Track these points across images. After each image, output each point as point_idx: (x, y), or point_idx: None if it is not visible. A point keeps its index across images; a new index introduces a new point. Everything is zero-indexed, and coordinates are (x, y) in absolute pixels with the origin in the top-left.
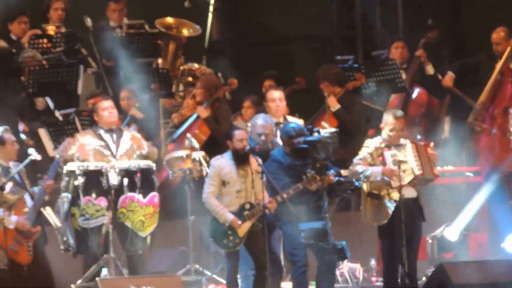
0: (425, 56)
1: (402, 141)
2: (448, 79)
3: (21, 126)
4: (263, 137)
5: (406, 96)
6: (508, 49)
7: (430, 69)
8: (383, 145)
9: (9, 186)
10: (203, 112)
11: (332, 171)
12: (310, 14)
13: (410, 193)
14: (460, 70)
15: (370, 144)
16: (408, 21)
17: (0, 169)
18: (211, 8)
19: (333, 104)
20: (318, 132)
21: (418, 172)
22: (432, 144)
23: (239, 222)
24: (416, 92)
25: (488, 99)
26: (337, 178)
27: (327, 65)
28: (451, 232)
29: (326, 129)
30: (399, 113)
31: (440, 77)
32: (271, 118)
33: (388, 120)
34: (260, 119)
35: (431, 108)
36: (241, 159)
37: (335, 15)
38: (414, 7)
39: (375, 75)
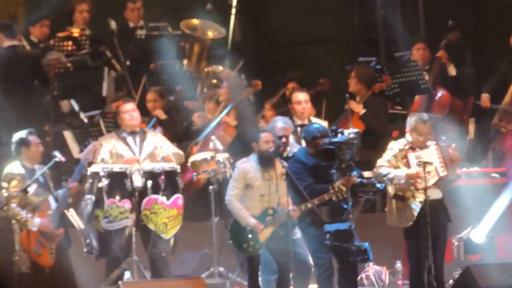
0: (447, 57)
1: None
2: (485, 100)
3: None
4: (283, 140)
5: (430, 98)
6: None
7: (452, 70)
8: (407, 147)
9: (33, 188)
10: (231, 121)
11: (355, 173)
12: (332, 16)
13: (435, 194)
14: (493, 87)
15: (394, 146)
16: (429, 22)
17: (25, 171)
18: (233, 10)
19: (358, 109)
20: (342, 133)
21: (442, 173)
22: (454, 145)
23: (262, 226)
24: (439, 94)
25: None
26: (359, 180)
27: (361, 63)
28: (477, 234)
29: (350, 130)
30: (426, 117)
31: (476, 102)
32: (290, 120)
33: (415, 125)
34: (279, 122)
35: (454, 109)
36: (267, 161)
37: (356, 16)
38: (435, 8)
39: (398, 76)
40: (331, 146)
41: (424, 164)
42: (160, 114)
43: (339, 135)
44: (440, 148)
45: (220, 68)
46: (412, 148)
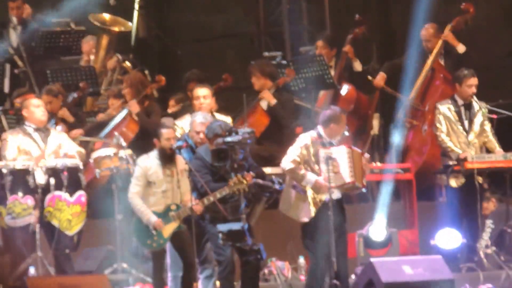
0: (353, 52)
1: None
2: (380, 79)
3: None
4: (201, 135)
5: (335, 93)
6: (439, 44)
7: (358, 66)
8: (318, 142)
9: None
10: (135, 106)
11: (251, 172)
12: (236, 10)
13: (335, 194)
14: (391, 70)
15: (306, 139)
16: (335, 16)
17: None
18: (136, 6)
19: (270, 99)
20: (236, 132)
21: (349, 179)
22: (367, 156)
23: (162, 225)
24: (345, 89)
25: (419, 95)
26: (254, 180)
27: (260, 60)
28: (375, 230)
29: (244, 129)
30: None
31: (370, 78)
32: (210, 115)
33: (336, 117)
34: (199, 117)
35: (360, 104)
36: (167, 158)
37: (261, 11)
38: (341, 2)
39: (304, 71)
40: (224, 146)
41: (333, 164)
42: (67, 116)
43: (233, 134)
44: (352, 152)
45: (127, 63)
46: (323, 144)
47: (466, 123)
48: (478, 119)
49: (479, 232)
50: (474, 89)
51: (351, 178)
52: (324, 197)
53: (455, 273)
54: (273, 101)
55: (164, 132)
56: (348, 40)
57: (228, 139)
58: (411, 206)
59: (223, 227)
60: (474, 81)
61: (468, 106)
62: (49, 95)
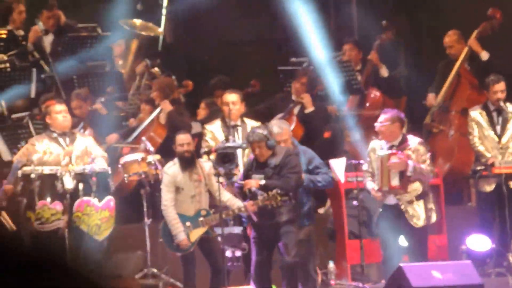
0: (378, 59)
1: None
2: (431, 99)
3: None
4: (282, 144)
5: (362, 98)
6: (464, 50)
7: (384, 71)
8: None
9: None
10: (168, 105)
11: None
12: (264, 16)
13: (389, 200)
14: (438, 89)
15: (372, 144)
16: (362, 22)
17: None
18: (164, 11)
19: (308, 106)
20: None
21: (377, 187)
22: (400, 152)
23: (187, 246)
24: (371, 94)
25: (445, 100)
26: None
27: (314, 70)
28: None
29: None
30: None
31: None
32: (286, 122)
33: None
34: (275, 127)
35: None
36: (187, 163)
37: (289, 16)
38: (369, 8)
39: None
40: (228, 150)
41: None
42: (100, 108)
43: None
44: (381, 158)
45: (156, 69)
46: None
47: (498, 128)
48: (511, 124)
49: (509, 237)
50: (500, 95)
51: (378, 186)
52: (386, 201)
53: (484, 278)
54: (311, 108)
55: (178, 137)
56: (375, 46)
57: (229, 144)
58: (440, 211)
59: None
60: (500, 86)
61: (500, 111)
62: (78, 99)
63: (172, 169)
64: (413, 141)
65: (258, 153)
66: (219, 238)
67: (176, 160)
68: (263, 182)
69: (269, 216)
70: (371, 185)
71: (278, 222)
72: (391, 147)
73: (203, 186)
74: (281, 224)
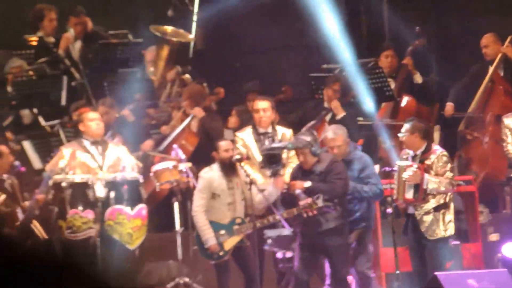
0: (412, 64)
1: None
2: (449, 109)
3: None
4: (335, 150)
5: (395, 105)
6: (498, 56)
7: (418, 78)
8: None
9: (1, 198)
10: (201, 112)
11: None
12: (296, 22)
13: (409, 209)
14: (457, 94)
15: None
16: (394, 28)
17: None
18: (195, 17)
19: (339, 112)
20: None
21: (394, 198)
22: (415, 164)
23: (217, 250)
24: (405, 101)
25: (479, 107)
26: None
27: (346, 77)
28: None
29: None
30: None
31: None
32: (342, 129)
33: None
34: (329, 132)
35: (420, 116)
36: (229, 170)
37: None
38: (400, 14)
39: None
40: (274, 151)
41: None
42: (128, 115)
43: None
44: (399, 170)
45: (187, 76)
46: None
47: None
48: None
49: None
50: None
51: (395, 197)
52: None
53: None
54: (342, 113)
55: (222, 144)
56: (408, 52)
57: (274, 144)
58: (474, 218)
59: (271, 233)
60: None
61: None
62: (104, 106)
63: (209, 174)
64: (437, 151)
65: (302, 160)
66: (269, 241)
67: (214, 165)
68: (308, 184)
69: (314, 224)
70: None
71: (323, 230)
72: (414, 157)
73: (239, 194)
74: (326, 233)
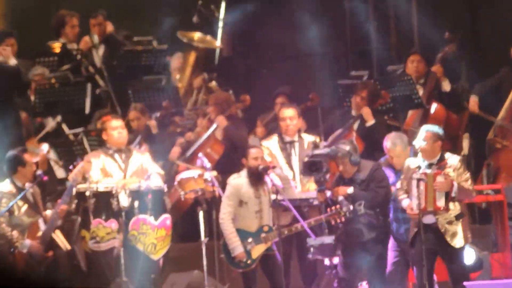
0: (442, 71)
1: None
2: (473, 104)
3: None
4: (394, 160)
5: (424, 112)
6: None
7: (446, 86)
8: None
9: (24, 208)
10: (224, 121)
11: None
12: (323, 29)
13: (427, 219)
14: (483, 91)
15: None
16: (423, 34)
17: (16, 190)
18: (220, 24)
19: (369, 119)
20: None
21: (416, 206)
22: (443, 172)
23: (244, 259)
24: (433, 108)
25: (508, 114)
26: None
27: (375, 84)
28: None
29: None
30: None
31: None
32: (403, 136)
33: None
34: (388, 142)
35: (449, 124)
36: (257, 178)
37: (348, 29)
38: (430, 19)
39: (391, 91)
40: (317, 159)
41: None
42: (153, 125)
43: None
44: (425, 177)
45: (213, 83)
46: (419, 168)
47: None
48: None
49: None
50: None
51: (422, 206)
52: (426, 220)
53: None
54: (372, 121)
55: (252, 151)
56: (438, 59)
57: (316, 151)
58: (503, 228)
59: (314, 241)
60: None
61: None
62: (136, 111)
63: (236, 181)
64: (453, 159)
65: (342, 170)
66: (312, 249)
67: (242, 173)
68: (351, 190)
69: (356, 233)
70: (406, 202)
71: (364, 240)
72: (430, 165)
73: (267, 201)
74: (367, 242)
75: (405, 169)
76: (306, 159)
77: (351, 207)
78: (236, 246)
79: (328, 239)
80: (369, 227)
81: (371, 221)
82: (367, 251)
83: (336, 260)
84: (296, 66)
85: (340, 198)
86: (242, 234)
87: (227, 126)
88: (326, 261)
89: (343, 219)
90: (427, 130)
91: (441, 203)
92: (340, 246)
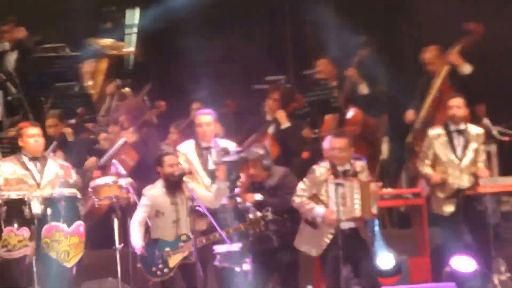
0: (357, 75)
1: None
2: (410, 115)
3: None
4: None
5: (341, 117)
6: (446, 67)
7: (363, 88)
8: (329, 172)
9: None
10: (131, 136)
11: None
12: (237, 34)
13: (348, 224)
14: (418, 106)
15: (318, 171)
16: (340, 38)
17: None
18: (135, 29)
19: (283, 121)
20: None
21: (357, 214)
22: (379, 184)
23: (144, 253)
24: (351, 112)
25: (428, 118)
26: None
27: (288, 86)
28: (383, 258)
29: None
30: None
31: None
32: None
33: (332, 142)
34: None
35: (367, 128)
36: (173, 186)
37: (263, 34)
38: (346, 23)
39: (308, 95)
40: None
41: (342, 197)
42: (69, 133)
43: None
44: (360, 185)
45: (126, 89)
46: (335, 175)
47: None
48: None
49: (493, 258)
50: (455, 111)
51: (359, 213)
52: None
53: None
54: (287, 124)
55: (167, 158)
56: (353, 62)
57: (225, 158)
58: (422, 232)
59: (221, 248)
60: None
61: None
62: (54, 118)
63: (151, 191)
64: (358, 162)
65: (253, 173)
66: (218, 256)
67: (157, 183)
68: (258, 197)
69: (265, 240)
70: (322, 210)
71: (274, 247)
72: (344, 171)
73: (184, 210)
74: (277, 249)
75: (319, 176)
76: (214, 166)
77: (259, 214)
78: (136, 242)
79: (234, 247)
80: (277, 234)
81: (279, 228)
82: (276, 258)
83: (246, 266)
84: (212, 72)
85: (248, 204)
86: (160, 244)
87: (136, 142)
88: (237, 269)
89: (263, 229)
90: (336, 137)
91: (375, 209)
92: (249, 253)
